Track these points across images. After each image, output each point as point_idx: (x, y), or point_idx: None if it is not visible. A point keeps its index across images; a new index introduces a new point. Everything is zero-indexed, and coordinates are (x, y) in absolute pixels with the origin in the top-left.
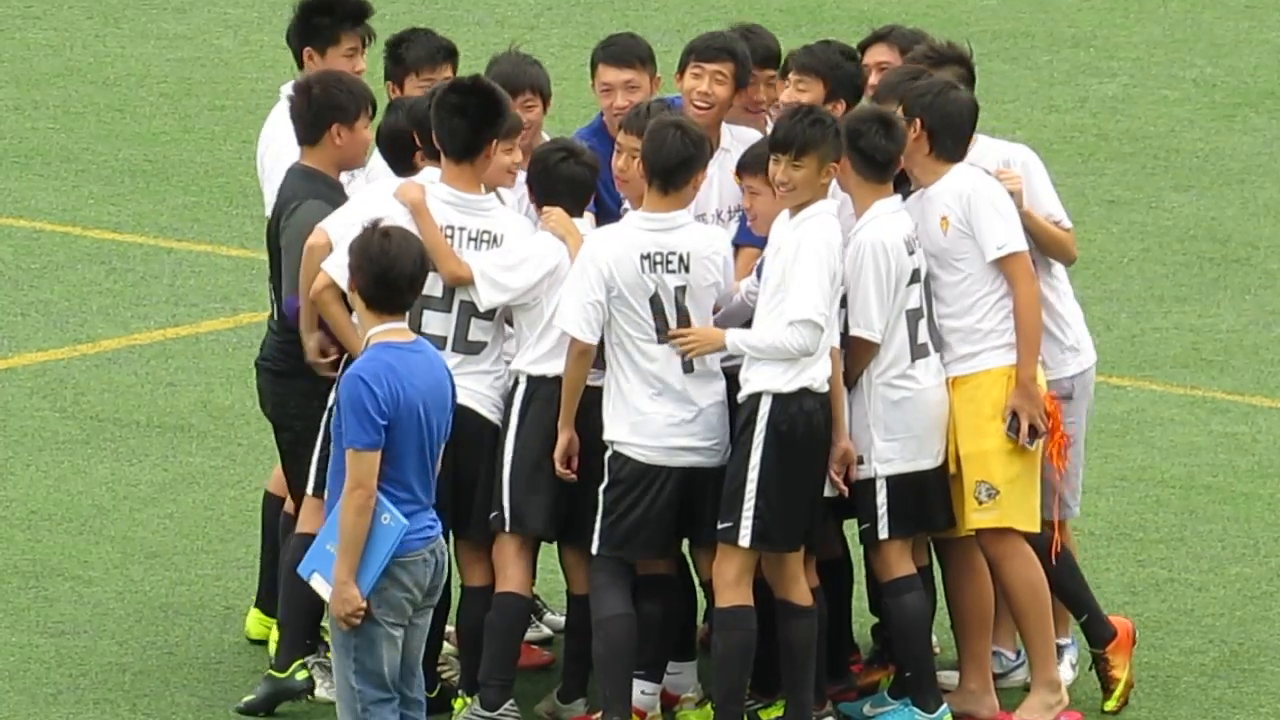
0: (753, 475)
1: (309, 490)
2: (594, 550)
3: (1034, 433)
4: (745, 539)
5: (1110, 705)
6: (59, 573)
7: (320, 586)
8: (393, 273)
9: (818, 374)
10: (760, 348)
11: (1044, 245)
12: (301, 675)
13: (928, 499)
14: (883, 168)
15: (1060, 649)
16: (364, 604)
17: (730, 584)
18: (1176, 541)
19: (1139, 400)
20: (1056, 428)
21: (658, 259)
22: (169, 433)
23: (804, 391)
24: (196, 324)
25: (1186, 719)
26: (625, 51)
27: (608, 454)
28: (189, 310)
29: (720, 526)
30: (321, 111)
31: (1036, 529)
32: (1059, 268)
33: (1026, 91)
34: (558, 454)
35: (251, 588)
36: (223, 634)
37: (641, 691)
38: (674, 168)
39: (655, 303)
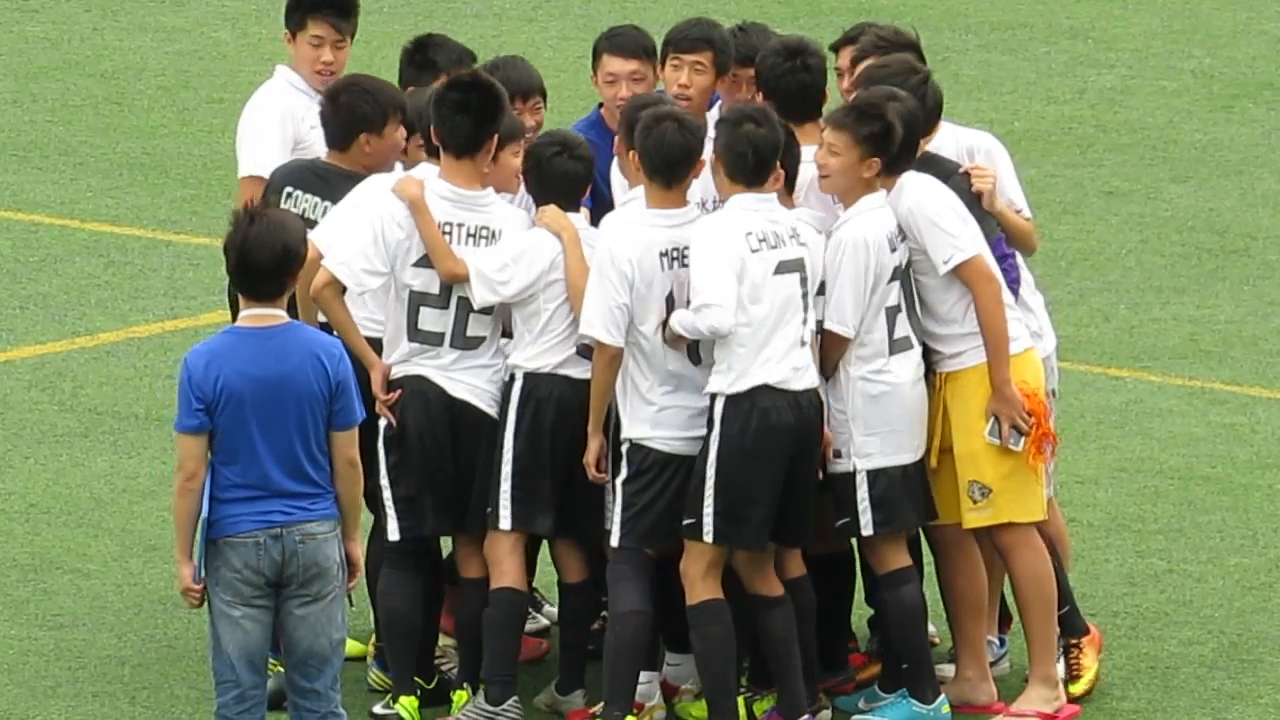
0: (710, 474)
1: None
2: (615, 543)
3: (1018, 432)
4: (709, 535)
5: (1078, 689)
6: (58, 566)
7: None
8: (248, 259)
9: (773, 373)
10: (683, 322)
11: (1009, 238)
12: None
13: (907, 494)
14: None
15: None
16: (194, 585)
17: (698, 580)
18: (1175, 532)
19: (1137, 391)
20: (1039, 424)
21: (674, 255)
22: (168, 425)
23: (760, 390)
24: (195, 317)
25: (1185, 710)
26: (631, 42)
27: (624, 447)
28: (187, 303)
29: (685, 523)
30: (350, 123)
31: (1043, 517)
32: (1021, 259)
33: (1025, 83)
34: (591, 459)
35: None
36: None
37: (639, 681)
38: (677, 162)
39: (670, 301)
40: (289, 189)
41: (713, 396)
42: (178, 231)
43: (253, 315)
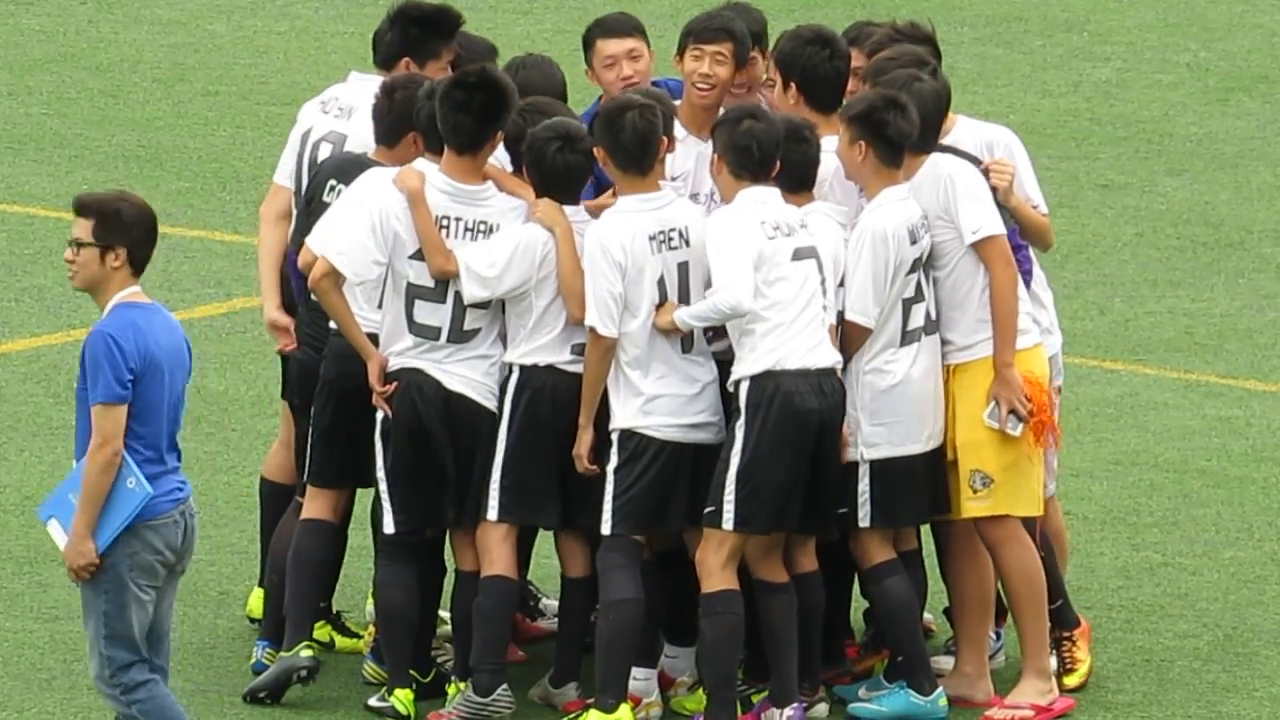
0: (735, 460)
1: (305, 477)
2: (606, 531)
3: (1017, 417)
4: (728, 522)
5: (1073, 681)
6: (53, 558)
7: (57, 534)
8: (155, 231)
9: (794, 354)
10: (702, 313)
11: (1024, 231)
12: (307, 652)
13: (911, 489)
14: (902, 152)
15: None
16: (98, 559)
17: (716, 569)
18: (1170, 525)
19: (1133, 384)
20: (1039, 411)
21: (662, 238)
22: None
23: (777, 373)
24: (190, 309)
25: (1180, 703)
26: (622, 23)
27: (616, 435)
28: (182, 295)
29: (705, 510)
30: (401, 120)
31: (1039, 512)
32: (1033, 252)
33: (1020, 76)
34: (582, 451)
35: (246, 573)
36: (217, 619)
37: (634, 678)
38: (647, 146)
39: (661, 285)
40: (333, 182)
41: (736, 384)
42: (173, 224)
43: (135, 293)
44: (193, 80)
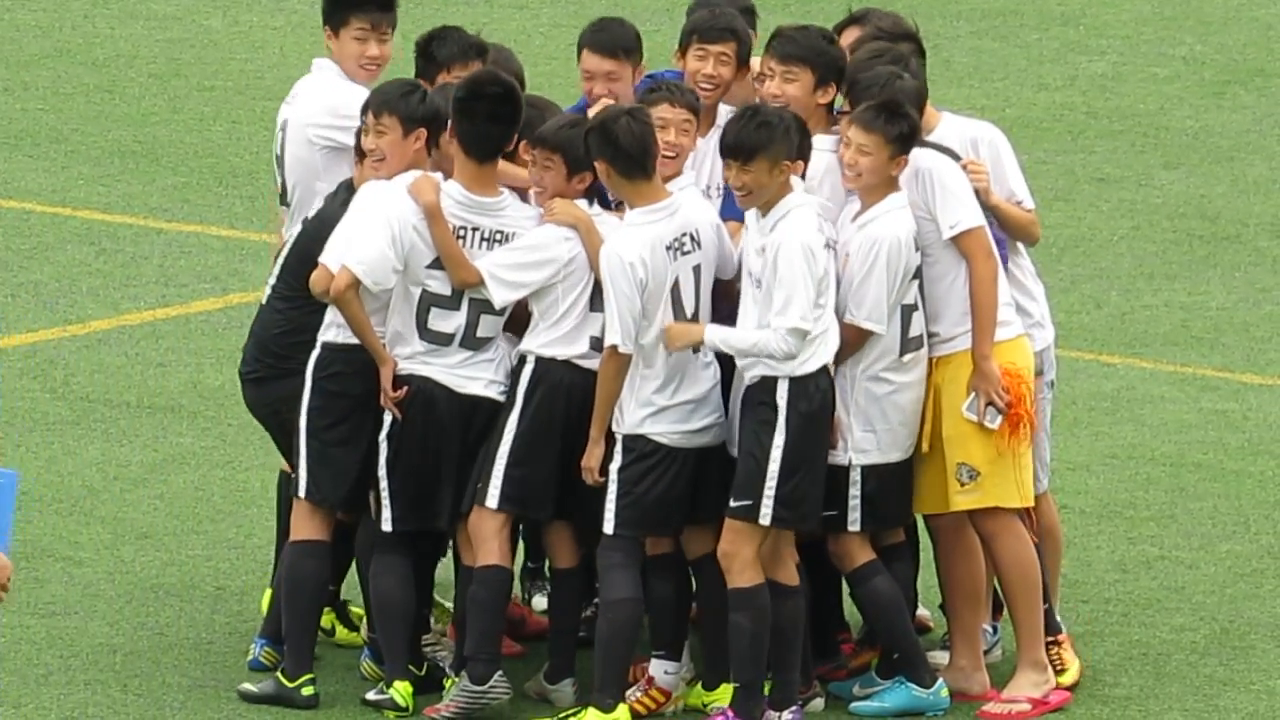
0: (775, 455)
1: (297, 494)
2: (608, 530)
3: (996, 410)
4: (766, 518)
5: (1065, 680)
6: (49, 554)
7: None
8: None
9: (828, 352)
10: (742, 348)
11: (1006, 228)
12: (307, 691)
13: (899, 491)
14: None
15: None
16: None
17: (750, 564)
18: (1167, 519)
19: (1129, 378)
20: (1016, 404)
21: (676, 245)
22: (159, 413)
23: (816, 373)
24: (186, 304)
25: (1177, 696)
26: (611, 41)
27: (621, 438)
28: (179, 291)
29: (736, 504)
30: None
31: (1029, 503)
32: (1021, 245)
33: (1016, 69)
34: (592, 464)
35: (242, 568)
36: (213, 615)
37: (665, 672)
38: (645, 147)
39: (675, 291)
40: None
41: (773, 380)
42: (169, 219)
43: None
44: (188, 75)
